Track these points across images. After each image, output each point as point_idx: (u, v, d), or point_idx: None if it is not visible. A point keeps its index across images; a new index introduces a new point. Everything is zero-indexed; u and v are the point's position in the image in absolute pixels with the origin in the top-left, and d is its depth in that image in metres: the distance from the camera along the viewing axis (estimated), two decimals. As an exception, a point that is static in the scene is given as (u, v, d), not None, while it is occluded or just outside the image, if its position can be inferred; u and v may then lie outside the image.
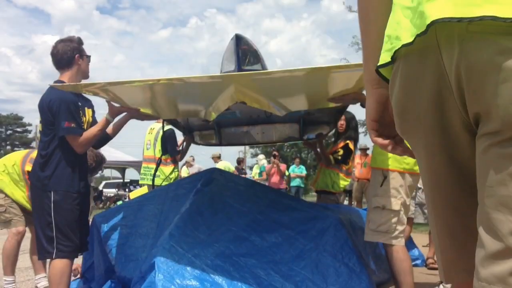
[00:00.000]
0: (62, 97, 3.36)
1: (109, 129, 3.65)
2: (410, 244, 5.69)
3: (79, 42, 3.62)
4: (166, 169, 6.13)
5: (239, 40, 3.60)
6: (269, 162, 14.10)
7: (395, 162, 3.23)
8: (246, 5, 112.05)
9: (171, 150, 6.01)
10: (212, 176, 4.13)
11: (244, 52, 3.57)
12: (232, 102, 3.43)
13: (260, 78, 2.96)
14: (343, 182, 5.75)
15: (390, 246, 3.26)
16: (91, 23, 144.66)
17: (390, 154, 3.23)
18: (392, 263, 3.26)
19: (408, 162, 3.22)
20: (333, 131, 5.79)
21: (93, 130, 3.46)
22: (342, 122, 5.72)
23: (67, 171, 3.39)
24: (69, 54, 3.52)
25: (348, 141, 5.63)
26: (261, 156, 15.87)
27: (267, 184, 13.53)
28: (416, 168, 3.22)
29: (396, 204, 3.25)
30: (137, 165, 21.42)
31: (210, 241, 3.36)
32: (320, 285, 3.28)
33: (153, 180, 5.39)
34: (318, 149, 5.81)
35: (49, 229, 3.32)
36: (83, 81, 3.59)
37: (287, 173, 14.67)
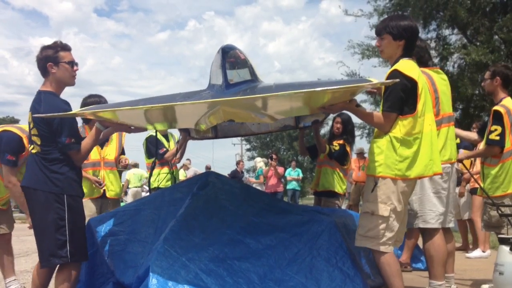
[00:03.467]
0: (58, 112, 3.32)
1: None
2: (418, 252, 5.69)
3: (56, 48, 3.48)
4: (153, 173, 6.17)
5: (225, 53, 3.54)
6: (267, 165, 14.10)
7: (386, 168, 3.24)
8: (245, 8, 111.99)
9: (155, 153, 6.04)
10: (208, 179, 4.13)
11: (232, 64, 3.51)
12: (220, 121, 3.48)
13: (246, 101, 2.99)
14: (344, 185, 5.78)
15: (377, 252, 3.28)
16: (89, 25, 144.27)
17: (382, 161, 3.25)
18: (380, 267, 3.30)
19: (400, 168, 3.22)
20: (328, 130, 5.80)
21: (88, 142, 3.45)
22: (338, 126, 5.73)
23: (76, 176, 3.40)
24: (41, 64, 3.46)
25: (346, 143, 5.66)
26: (258, 159, 15.86)
27: (264, 187, 13.55)
28: (408, 173, 3.23)
29: (385, 210, 3.25)
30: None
31: (204, 245, 3.36)
32: (312, 290, 3.30)
33: (148, 185, 5.41)
34: (313, 140, 5.77)
35: (61, 233, 3.26)
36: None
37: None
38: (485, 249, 7.10)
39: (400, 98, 3.23)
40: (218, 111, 3.21)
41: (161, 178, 6.16)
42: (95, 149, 4.90)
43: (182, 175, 12.04)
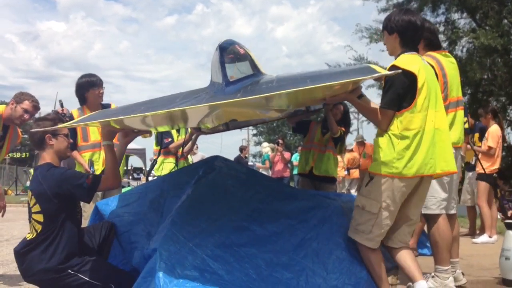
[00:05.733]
0: (58, 177, 3.36)
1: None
2: (425, 238, 5.72)
3: (55, 120, 3.54)
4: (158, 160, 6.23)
5: (223, 51, 3.43)
6: (273, 150, 14.10)
7: (384, 167, 3.21)
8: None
9: (160, 142, 6.10)
10: (214, 164, 4.13)
11: (231, 60, 3.43)
12: (221, 121, 3.47)
13: (247, 100, 2.95)
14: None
15: (363, 246, 3.35)
16: (96, 9, 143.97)
17: (380, 159, 3.23)
18: (364, 261, 3.39)
19: (397, 166, 3.17)
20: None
21: (109, 165, 3.46)
22: (337, 112, 5.67)
23: (74, 250, 3.39)
24: (38, 135, 3.47)
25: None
26: (265, 144, 15.87)
27: (270, 172, 13.57)
28: (405, 172, 3.16)
29: (375, 207, 3.26)
30: (140, 153, 21.49)
31: (211, 231, 3.37)
32: (320, 273, 3.30)
33: (147, 175, 5.45)
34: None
35: (91, 285, 3.32)
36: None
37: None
38: (492, 235, 7.11)
39: (398, 95, 3.19)
40: (220, 112, 3.20)
41: (165, 167, 6.21)
42: (96, 130, 4.85)
43: (190, 161, 12.06)
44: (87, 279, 3.31)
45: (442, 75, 3.89)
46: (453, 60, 4.16)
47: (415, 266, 3.32)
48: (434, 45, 4.10)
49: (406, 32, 3.36)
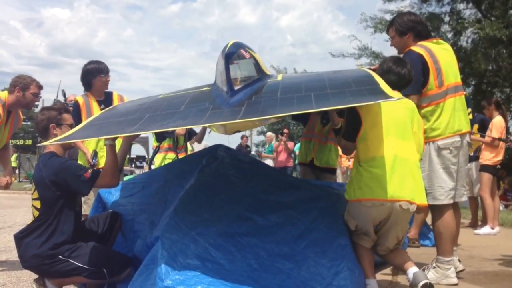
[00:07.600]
0: (58, 166, 3.36)
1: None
2: (427, 229, 5.75)
3: (60, 110, 3.57)
4: (158, 156, 6.23)
5: (228, 57, 3.37)
6: (277, 139, 14.09)
7: (346, 193, 3.47)
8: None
9: (166, 134, 6.09)
10: (217, 153, 4.13)
11: (236, 66, 3.40)
12: (226, 134, 3.49)
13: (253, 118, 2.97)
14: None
15: (354, 242, 3.52)
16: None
17: (347, 186, 3.51)
18: (355, 250, 3.50)
19: (353, 189, 3.39)
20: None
21: (109, 162, 3.43)
22: None
23: (68, 239, 3.40)
24: (43, 124, 3.50)
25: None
26: (269, 133, 15.87)
27: (274, 161, 13.57)
28: (358, 195, 3.34)
29: (352, 224, 3.50)
30: (143, 141, 21.50)
31: (213, 220, 3.38)
32: (322, 263, 3.30)
33: (150, 163, 5.47)
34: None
35: (82, 269, 3.33)
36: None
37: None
38: (494, 226, 7.10)
39: (351, 128, 3.49)
40: (224, 126, 3.21)
41: (166, 163, 6.23)
42: None
43: (189, 150, 12.05)
44: (78, 264, 3.32)
45: (432, 62, 3.92)
46: (447, 47, 4.19)
47: (403, 260, 3.47)
48: (423, 35, 4.13)
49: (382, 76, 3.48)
